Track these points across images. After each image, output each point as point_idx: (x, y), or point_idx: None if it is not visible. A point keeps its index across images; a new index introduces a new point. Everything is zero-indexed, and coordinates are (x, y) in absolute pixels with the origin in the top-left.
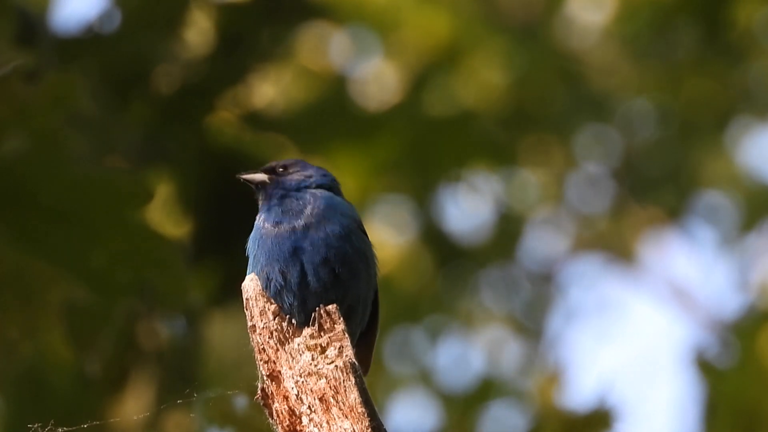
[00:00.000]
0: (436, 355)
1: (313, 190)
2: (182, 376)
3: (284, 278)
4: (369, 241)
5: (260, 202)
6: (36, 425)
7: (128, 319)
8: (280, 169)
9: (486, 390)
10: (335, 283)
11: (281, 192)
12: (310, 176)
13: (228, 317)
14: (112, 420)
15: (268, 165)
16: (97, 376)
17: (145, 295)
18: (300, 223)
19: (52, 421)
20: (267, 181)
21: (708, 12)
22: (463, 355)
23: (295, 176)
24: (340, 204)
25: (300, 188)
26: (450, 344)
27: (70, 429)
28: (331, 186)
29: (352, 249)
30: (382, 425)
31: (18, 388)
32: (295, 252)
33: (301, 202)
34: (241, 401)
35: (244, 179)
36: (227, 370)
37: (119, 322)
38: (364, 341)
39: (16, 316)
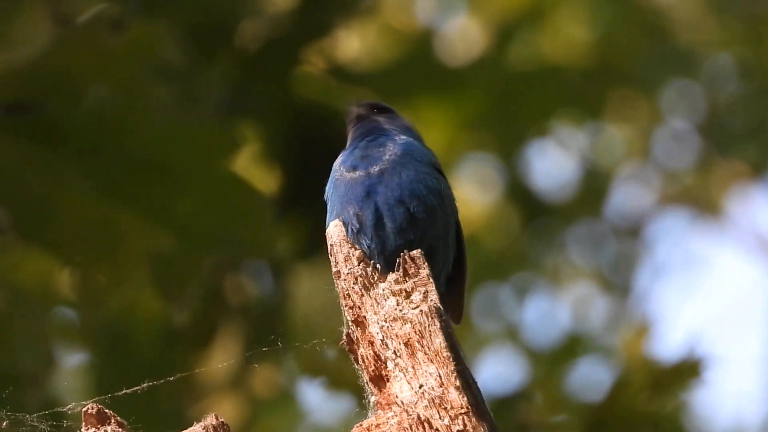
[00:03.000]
0: (523, 312)
1: (395, 138)
2: (269, 330)
3: (359, 221)
4: (446, 182)
5: (349, 137)
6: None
7: (215, 273)
8: (375, 110)
9: (573, 346)
10: (411, 222)
11: (370, 135)
12: (398, 127)
13: (314, 271)
14: (198, 371)
15: (367, 102)
16: (185, 328)
17: (232, 248)
18: (375, 168)
19: (144, 381)
20: (363, 115)
21: None
22: (549, 311)
23: (387, 123)
24: (417, 149)
25: (386, 134)
26: (537, 301)
27: (157, 382)
28: (416, 137)
29: (426, 189)
30: (468, 369)
31: (105, 340)
32: (369, 195)
33: (381, 149)
34: (328, 351)
35: (345, 110)
36: (313, 325)
37: (206, 274)
38: (454, 288)
39: (103, 266)
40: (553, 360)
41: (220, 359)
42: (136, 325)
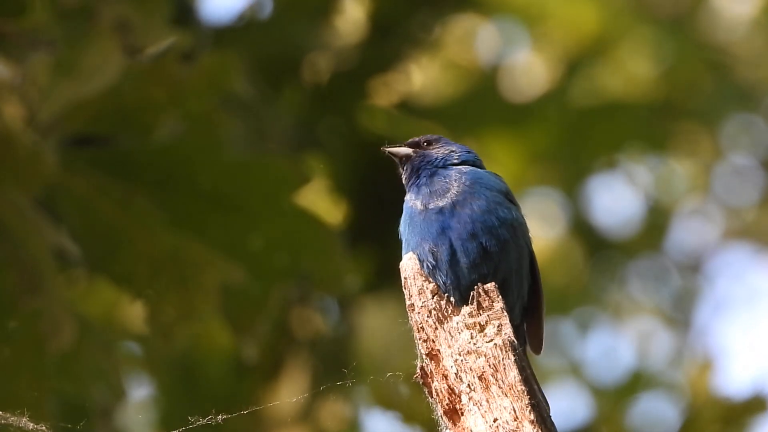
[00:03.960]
0: (585, 347)
1: (459, 167)
2: (335, 364)
3: (435, 257)
4: (517, 211)
5: (405, 178)
6: (195, 418)
7: (282, 307)
8: (424, 144)
9: (636, 382)
10: (485, 256)
11: (428, 169)
12: (455, 151)
13: (379, 305)
14: (272, 404)
15: (411, 140)
16: (254, 361)
17: (301, 281)
18: (447, 202)
19: (213, 411)
20: (412, 154)
21: None
22: (612, 346)
23: (439, 151)
24: (485, 177)
25: (446, 164)
26: (599, 336)
27: (230, 415)
28: (475, 161)
29: (497, 220)
30: (543, 402)
31: (174, 372)
32: (443, 231)
33: (447, 180)
34: (399, 386)
35: (389, 152)
36: (378, 359)
37: (276, 307)
38: (532, 317)
39: (173, 299)
40: (617, 395)
41: (288, 392)
42: (205, 358)
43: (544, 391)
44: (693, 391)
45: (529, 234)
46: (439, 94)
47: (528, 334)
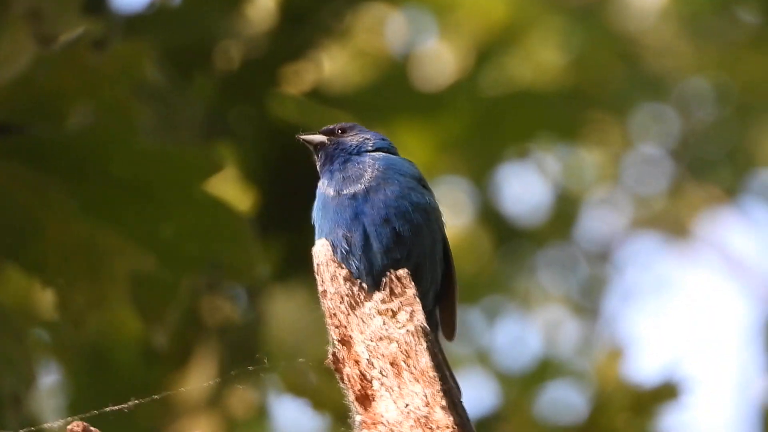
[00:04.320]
0: (493, 335)
1: (372, 153)
2: (244, 352)
3: (348, 243)
4: (430, 196)
5: (319, 165)
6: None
7: (192, 295)
8: (339, 131)
9: (544, 370)
10: (398, 241)
11: (342, 156)
12: (369, 139)
13: (290, 292)
14: (182, 389)
15: (326, 128)
16: (163, 349)
17: (212, 269)
18: (361, 188)
19: (124, 397)
20: (326, 142)
21: None
22: (520, 335)
23: (354, 138)
24: (398, 163)
25: (360, 151)
26: (507, 324)
27: (143, 400)
28: (389, 149)
29: (411, 205)
30: (455, 388)
31: (84, 360)
32: (357, 216)
33: (361, 167)
34: (309, 372)
35: (303, 140)
36: (288, 346)
37: (186, 295)
38: (445, 303)
39: (83, 286)
40: (525, 384)
41: (196, 379)
42: (115, 345)
43: (456, 378)
44: (601, 379)
45: (443, 221)
46: (350, 82)
47: (441, 321)
